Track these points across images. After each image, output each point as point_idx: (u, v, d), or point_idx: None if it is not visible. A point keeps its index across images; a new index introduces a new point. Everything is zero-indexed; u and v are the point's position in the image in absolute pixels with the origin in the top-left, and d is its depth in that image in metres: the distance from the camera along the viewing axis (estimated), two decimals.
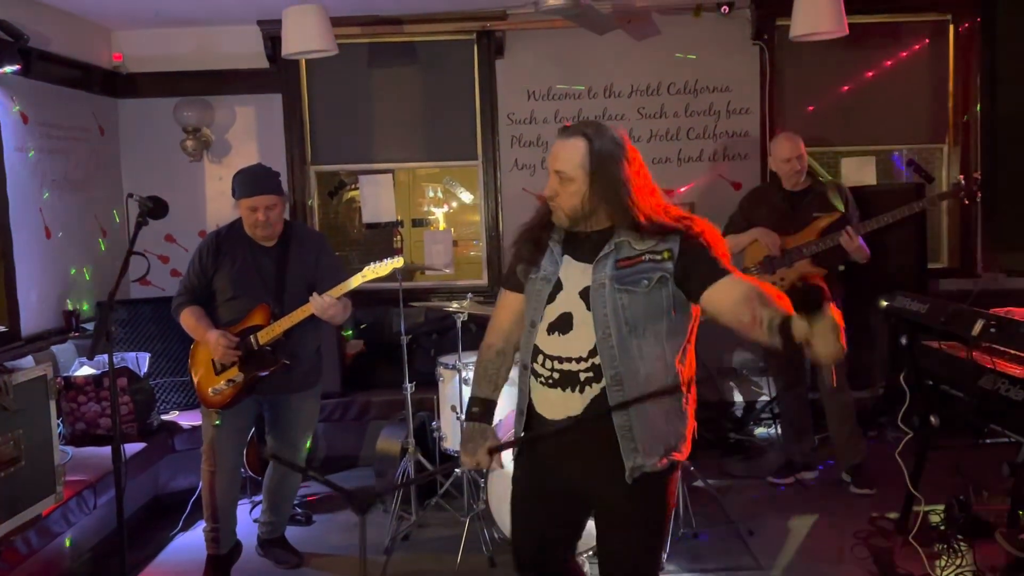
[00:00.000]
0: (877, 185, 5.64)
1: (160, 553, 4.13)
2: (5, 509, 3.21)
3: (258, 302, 3.59)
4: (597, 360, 2.26)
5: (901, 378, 3.50)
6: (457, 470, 4.12)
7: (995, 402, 2.89)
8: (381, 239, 6.21)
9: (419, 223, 7.18)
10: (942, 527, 3.62)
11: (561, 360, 2.31)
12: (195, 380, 3.69)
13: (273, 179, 3.61)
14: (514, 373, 2.54)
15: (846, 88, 5.69)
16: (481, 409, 2.49)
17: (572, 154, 2.30)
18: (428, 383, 4.57)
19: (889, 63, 5.68)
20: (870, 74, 5.68)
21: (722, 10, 5.39)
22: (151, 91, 5.63)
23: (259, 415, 3.86)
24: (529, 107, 5.69)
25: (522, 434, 2.46)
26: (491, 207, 5.80)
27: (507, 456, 2.86)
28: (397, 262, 3.58)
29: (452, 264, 6.00)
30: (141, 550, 4.10)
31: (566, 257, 2.37)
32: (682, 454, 2.34)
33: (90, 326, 4.92)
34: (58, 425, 3.66)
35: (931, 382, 3.42)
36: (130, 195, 3.39)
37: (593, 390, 2.27)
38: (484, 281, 5.87)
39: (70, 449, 4.11)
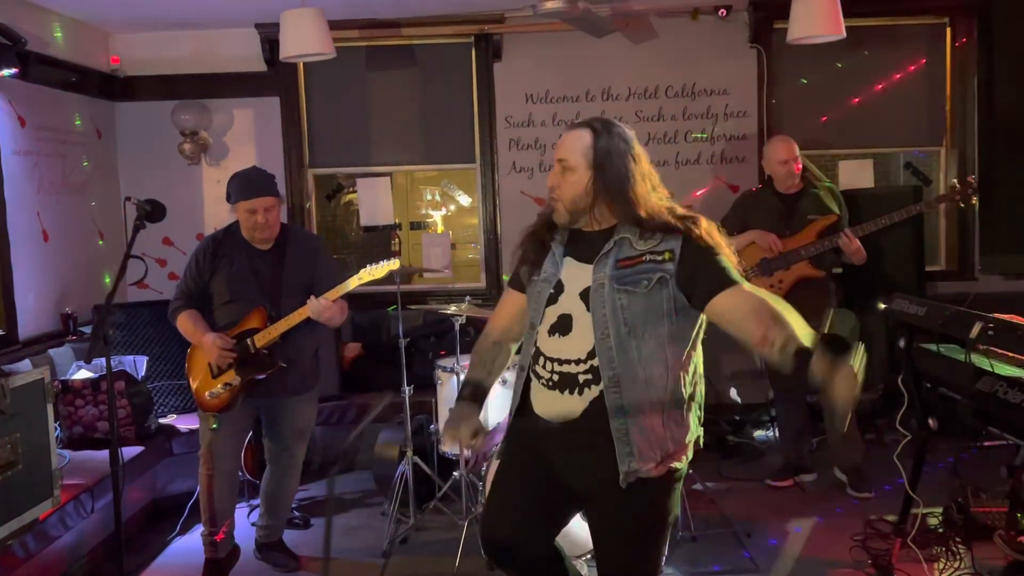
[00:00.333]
0: (874, 188, 5.65)
1: (158, 557, 4.12)
2: (2, 513, 3.20)
3: (255, 305, 3.58)
4: (596, 362, 2.24)
5: (899, 380, 3.50)
6: (456, 473, 4.11)
7: (993, 405, 2.89)
8: (379, 242, 6.21)
9: (417, 226, 7.16)
10: (940, 530, 3.63)
11: (560, 362, 2.30)
12: (192, 384, 3.68)
13: (270, 181, 3.61)
14: (512, 375, 2.54)
15: (843, 91, 5.70)
16: (472, 391, 2.50)
17: (575, 143, 2.32)
18: (426, 386, 4.57)
19: (887, 66, 5.69)
20: (868, 77, 5.69)
21: (720, 13, 5.40)
22: (149, 94, 5.63)
23: (257, 418, 3.86)
24: (527, 110, 5.69)
25: (506, 437, 2.46)
26: (489, 210, 5.80)
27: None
28: (393, 264, 3.58)
29: (450, 267, 6.00)
30: (139, 554, 4.09)
31: (568, 259, 2.37)
32: (681, 462, 2.30)
33: (88, 329, 4.91)
34: (55, 429, 3.65)
35: (929, 385, 3.42)
36: (128, 198, 3.38)
37: (592, 392, 2.25)
38: (482, 284, 5.87)
39: (67, 453, 4.10)
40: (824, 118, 5.70)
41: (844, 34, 4.67)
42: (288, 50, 4.67)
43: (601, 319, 2.24)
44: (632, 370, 2.22)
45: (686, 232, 2.24)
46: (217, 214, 5.63)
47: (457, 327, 4.22)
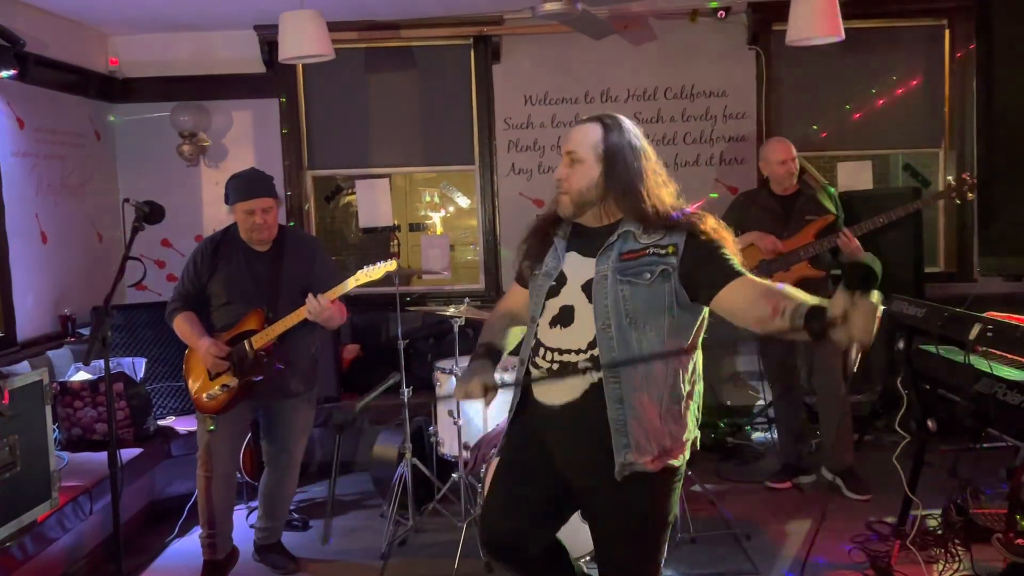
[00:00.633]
0: (873, 190, 5.65)
1: (156, 559, 4.11)
2: (0, 515, 3.20)
3: (252, 307, 3.58)
4: (596, 351, 2.26)
5: (898, 382, 3.50)
6: (454, 475, 4.11)
7: (992, 406, 2.89)
8: (378, 243, 6.21)
9: (416, 227, 7.18)
10: (939, 531, 3.63)
11: (561, 352, 2.32)
12: (190, 385, 3.68)
13: (268, 182, 3.61)
14: (511, 377, 2.55)
15: (842, 93, 5.70)
16: (486, 350, 2.55)
17: (585, 136, 2.34)
18: (425, 388, 4.57)
19: (885, 68, 5.70)
20: (866, 79, 5.69)
21: (719, 15, 5.40)
22: (148, 96, 5.63)
23: (255, 420, 3.86)
24: (526, 112, 5.69)
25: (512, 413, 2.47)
26: (488, 211, 5.80)
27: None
28: (390, 265, 3.57)
29: (449, 268, 6.00)
30: (137, 556, 4.09)
31: (571, 252, 2.39)
32: (678, 460, 2.31)
33: (86, 331, 4.91)
34: (54, 430, 3.65)
35: (928, 386, 3.42)
36: (126, 200, 3.38)
37: (592, 378, 2.28)
38: (481, 285, 5.87)
39: (66, 454, 4.09)
40: (823, 120, 5.70)
41: (843, 36, 4.67)
42: (287, 52, 4.67)
43: (603, 310, 2.26)
44: (633, 362, 2.23)
45: (691, 228, 2.26)
46: (216, 216, 5.63)
47: (456, 329, 4.21)
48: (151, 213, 3.30)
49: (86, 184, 5.27)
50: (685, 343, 2.30)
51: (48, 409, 3.48)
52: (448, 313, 4.14)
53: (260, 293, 3.60)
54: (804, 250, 4.41)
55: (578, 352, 2.29)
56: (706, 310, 2.33)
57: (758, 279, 2.22)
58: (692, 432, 2.35)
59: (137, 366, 4.63)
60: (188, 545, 4.17)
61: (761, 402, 5.62)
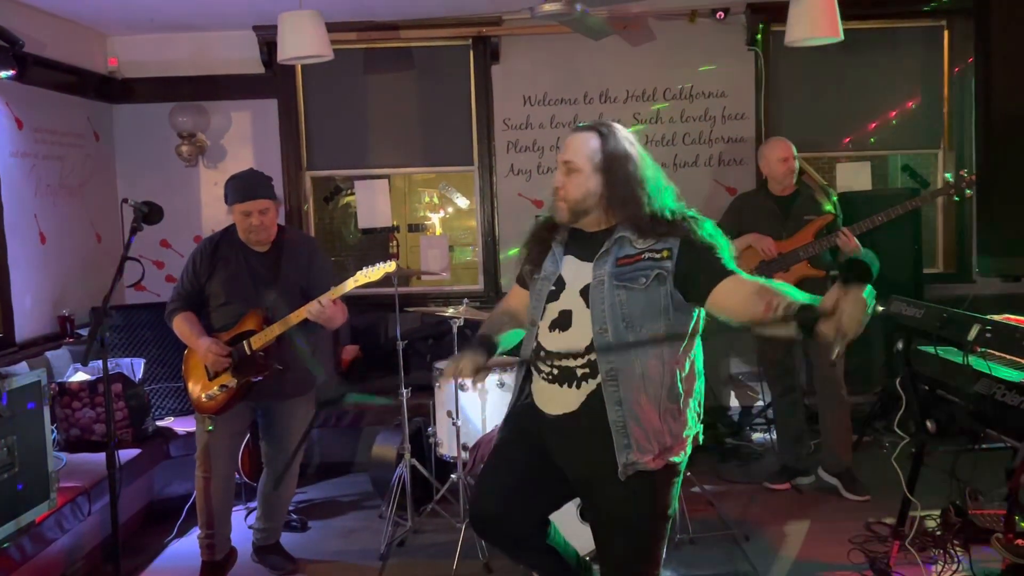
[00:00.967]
0: (872, 191, 5.65)
1: (155, 560, 4.11)
2: None
3: (251, 307, 3.58)
4: (594, 356, 2.29)
5: (897, 383, 3.50)
6: (453, 476, 4.11)
7: (991, 407, 2.89)
8: (377, 244, 6.21)
9: (415, 228, 7.17)
10: (938, 532, 3.63)
11: (560, 356, 2.34)
12: (189, 386, 3.68)
13: (266, 183, 3.61)
14: (510, 378, 2.56)
15: (841, 93, 5.70)
16: (480, 339, 2.59)
17: (581, 146, 2.36)
18: (424, 389, 4.56)
19: (884, 69, 5.70)
20: (865, 80, 5.69)
21: (717, 16, 5.40)
22: (146, 96, 5.63)
23: (254, 421, 3.85)
24: (525, 112, 5.69)
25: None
26: (487, 212, 5.80)
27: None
28: (390, 266, 3.57)
29: (448, 269, 6.00)
30: (136, 557, 4.08)
31: (568, 257, 2.42)
32: (679, 457, 2.34)
33: (85, 331, 4.90)
34: (52, 431, 3.64)
35: (927, 387, 3.42)
36: (125, 200, 3.38)
37: (589, 386, 2.30)
38: (480, 286, 5.87)
39: (64, 455, 4.09)
40: (822, 120, 5.70)
41: (842, 36, 4.67)
42: (286, 52, 4.66)
43: (600, 314, 2.28)
44: (629, 364, 2.26)
45: (686, 232, 2.28)
46: (215, 216, 5.62)
47: (455, 329, 4.21)
48: (150, 213, 3.30)
49: (85, 184, 5.27)
50: (681, 344, 2.33)
51: (46, 410, 3.47)
52: (447, 314, 4.14)
53: (259, 293, 3.60)
54: (804, 250, 4.41)
55: (576, 357, 2.32)
56: (702, 311, 2.36)
57: (750, 277, 2.24)
58: (692, 428, 2.38)
59: (136, 367, 4.63)
60: (187, 546, 4.17)
61: (760, 403, 5.62)
